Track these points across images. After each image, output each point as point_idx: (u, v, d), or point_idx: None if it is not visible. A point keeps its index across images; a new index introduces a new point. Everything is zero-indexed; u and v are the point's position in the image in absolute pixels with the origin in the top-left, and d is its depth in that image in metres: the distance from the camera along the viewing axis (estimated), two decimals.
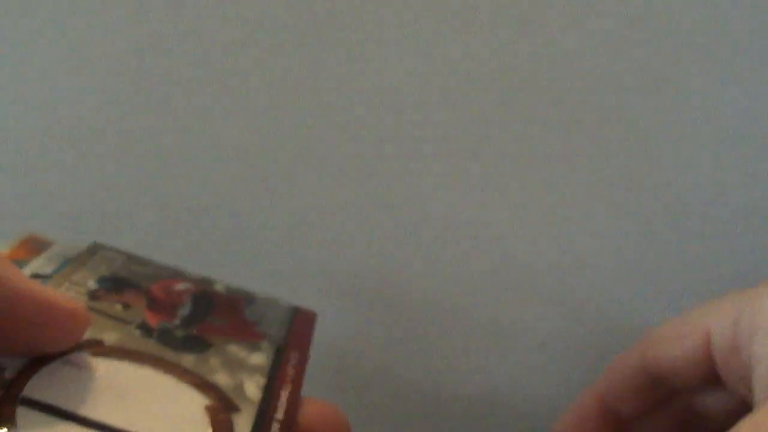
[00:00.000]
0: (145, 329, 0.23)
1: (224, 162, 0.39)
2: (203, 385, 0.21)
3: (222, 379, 0.22)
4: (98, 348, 0.21)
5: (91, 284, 0.24)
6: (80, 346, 0.21)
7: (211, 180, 0.39)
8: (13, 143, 0.38)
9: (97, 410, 0.19)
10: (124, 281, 0.25)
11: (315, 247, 0.40)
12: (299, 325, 0.27)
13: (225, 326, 0.25)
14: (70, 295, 0.23)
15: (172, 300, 0.25)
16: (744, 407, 0.23)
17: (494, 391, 0.41)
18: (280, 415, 0.22)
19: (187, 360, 0.22)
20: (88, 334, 0.21)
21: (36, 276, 0.23)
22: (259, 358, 0.24)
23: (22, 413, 0.18)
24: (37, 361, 0.19)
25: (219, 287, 0.27)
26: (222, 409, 0.21)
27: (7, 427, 0.17)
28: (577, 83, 0.38)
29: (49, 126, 0.38)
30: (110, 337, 0.22)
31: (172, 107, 0.38)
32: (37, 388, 0.19)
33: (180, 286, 0.26)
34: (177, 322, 0.24)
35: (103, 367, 0.20)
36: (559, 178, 0.39)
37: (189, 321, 0.24)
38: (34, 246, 0.25)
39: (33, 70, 0.38)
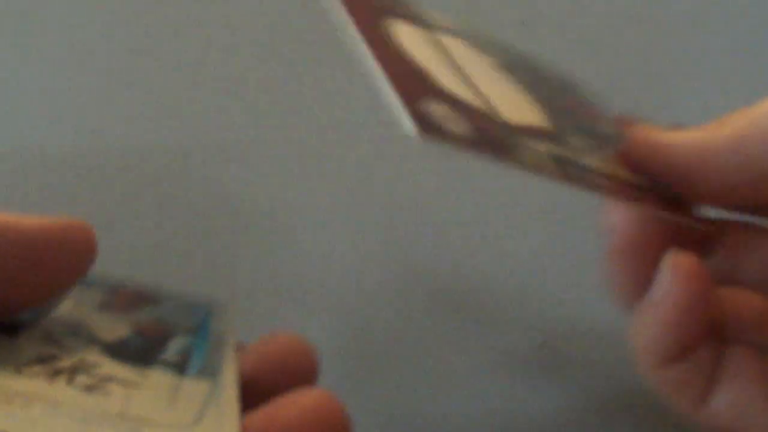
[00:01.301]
0: None
1: (225, 162, 0.39)
2: None
3: None
4: None
5: None
6: None
7: (212, 179, 0.39)
8: (13, 143, 0.39)
9: None
10: None
11: (316, 246, 0.40)
12: None
13: None
14: None
15: None
16: None
17: (494, 391, 0.40)
18: None
19: None
20: None
21: None
22: None
23: None
24: None
25: None
26: None
27: None
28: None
29: (49, 126, 0.39)
30: None
31: (173, 107, 0.39)
32: None
33: None
34: None
35: None
36: None
37: None
38: None
39: (33, 70, 0.39)
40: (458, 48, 0.21)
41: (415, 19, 0.21)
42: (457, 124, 0.16)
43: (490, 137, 0.16)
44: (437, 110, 0.16)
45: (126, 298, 0.23)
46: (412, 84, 0.16)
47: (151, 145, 0.39)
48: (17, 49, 0.41)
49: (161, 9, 0.40)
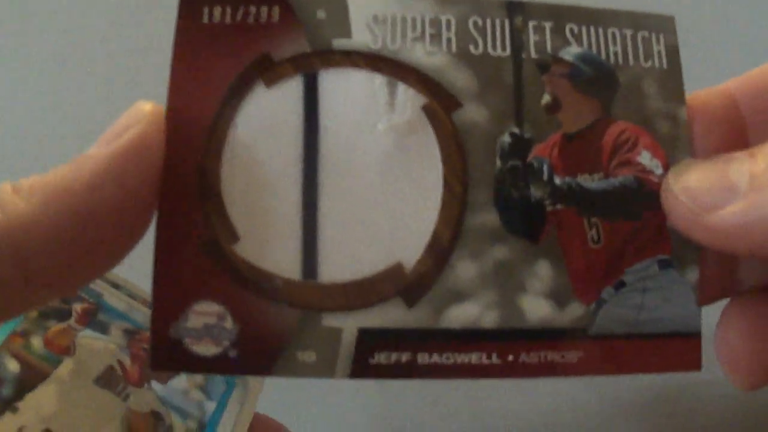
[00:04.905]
0: None
1: None
2: None
3: None
4: None
5: None
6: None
7: None
8: (13, 143, 0.39)
9: None
10: None
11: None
12: None
13: None
14: None
15: None
16: None
17: (495, 392, 0.39)
18: None
19: None
20: None
21: None
22: None
23: None
24: None
25: None
26: None
27: None
28: None
29: (49, 126, 0.39)
30: None
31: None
32: None
33: None
34: None
35: None
36: None
37: None
38: None
39: (33, 70, 0.39)
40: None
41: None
42: (211, 344, 0.14)
43: (250, 351, 0.14)
44: (195, 322, 0.14)
45: (136, 357, 0.22)
46: (180, 288, 0.14)
47: None
48: (17, 48, 0.40)
49: (161, 9, 0.40)
